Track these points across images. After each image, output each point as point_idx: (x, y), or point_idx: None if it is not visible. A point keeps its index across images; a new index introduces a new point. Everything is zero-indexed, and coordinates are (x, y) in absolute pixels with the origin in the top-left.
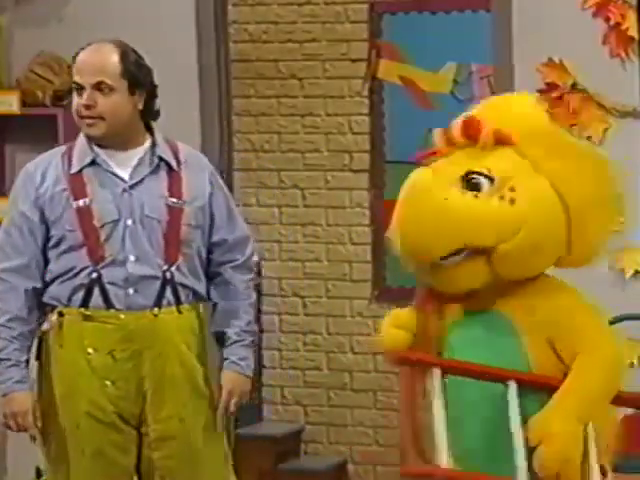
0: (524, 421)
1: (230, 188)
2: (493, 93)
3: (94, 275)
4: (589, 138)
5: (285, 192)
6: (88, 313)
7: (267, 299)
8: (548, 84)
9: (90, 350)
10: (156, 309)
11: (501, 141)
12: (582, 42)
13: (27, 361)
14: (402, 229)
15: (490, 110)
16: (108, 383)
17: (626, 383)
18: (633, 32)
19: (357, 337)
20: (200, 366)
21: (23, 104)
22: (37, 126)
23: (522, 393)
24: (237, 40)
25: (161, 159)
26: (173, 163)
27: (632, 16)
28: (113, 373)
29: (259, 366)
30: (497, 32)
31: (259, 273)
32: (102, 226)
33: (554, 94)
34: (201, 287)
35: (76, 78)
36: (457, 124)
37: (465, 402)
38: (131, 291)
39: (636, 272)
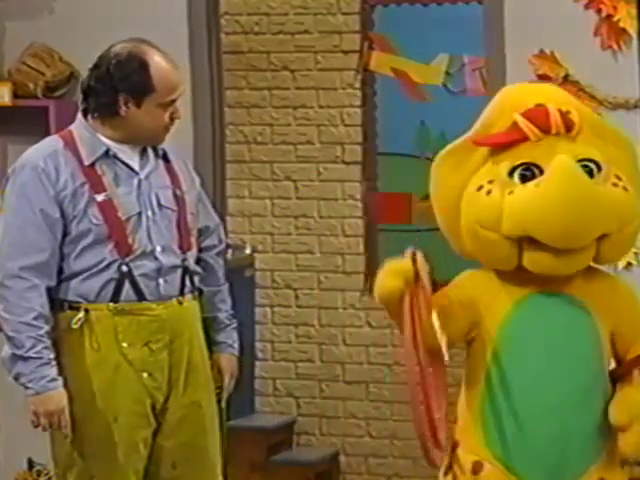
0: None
1: (222, 180)
2: (485, 85)
3: (124, 268)
4: None
5: (277, 184)
6: (120, 307)
7: (259, 291)
8: (540, 76)
9: (124, 344)
10: (180, 297)
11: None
12: (574, 34)
13: (55, 359)
14: (557, 215)
15: (560, 100)
16: (145, 375)
17: None
18: (625, 24)
19: (349, 329)
20: (206, 351)
21: (15, 96)
22: (29, 118)
23: (590, 383)
24: (229, 32)
25: (163, 151)
26: (169, 155)
27: (624, 8)
28: (150, 364)
29: (252, 358)
30: (489, 24)
31: (252, 265)
32: (128, 219)
33: None
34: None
35: (173, 96)
36: (554, 113)
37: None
38: (162, 281)
39: (628, 264)
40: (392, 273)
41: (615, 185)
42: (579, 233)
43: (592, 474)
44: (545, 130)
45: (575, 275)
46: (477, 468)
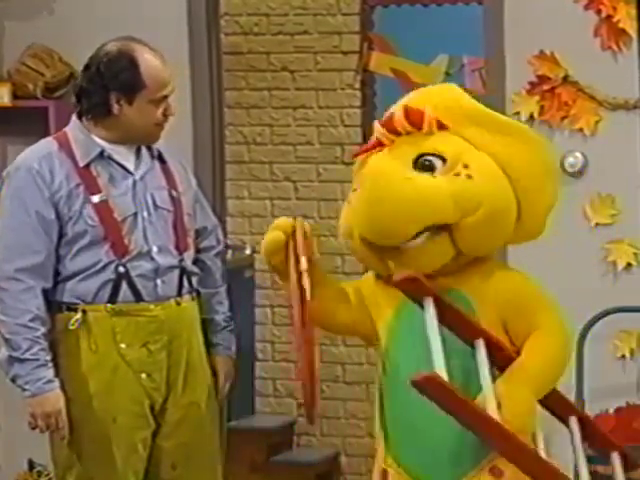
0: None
1: (222, 181)
2: (484, 85)
3: (121, 269)
4: (581, 130)
5: (277, 185)
6: (118, 308)
7: (259, 292)
8: (540, 76)
9: (123, 345)
10: (178, 298)
11: (440, 126)
12: (574, 34)
13: (52, 360)
14: (367, 214)
15: (420, 99)
16: (143, 376)
17: (619, 375)
18: (624, 25)
19: None
20: (205, 352)
21: (14, 96)
22: (28, 118)
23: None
24: (228, 32)
25: (158, 152)
26: (165, 156)
27: (624, 8)
28: (148, 365)
29: (252, 359)
30: (489, 24)
31: (252, 265)
32: (123, 220)
33: (545, 87)
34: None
35: (164, 92)
36: (398, 113)
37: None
38: (159, 282)
39: (628, 264)
40: (273, 227)
41: (457, 175)
42: (390, 228)
43: (484, 465)
44: (392, 131)
45: (468, 273)
46: (384, 477)
